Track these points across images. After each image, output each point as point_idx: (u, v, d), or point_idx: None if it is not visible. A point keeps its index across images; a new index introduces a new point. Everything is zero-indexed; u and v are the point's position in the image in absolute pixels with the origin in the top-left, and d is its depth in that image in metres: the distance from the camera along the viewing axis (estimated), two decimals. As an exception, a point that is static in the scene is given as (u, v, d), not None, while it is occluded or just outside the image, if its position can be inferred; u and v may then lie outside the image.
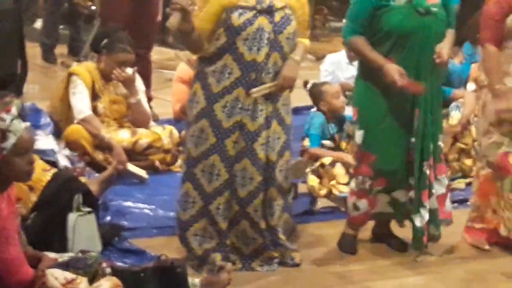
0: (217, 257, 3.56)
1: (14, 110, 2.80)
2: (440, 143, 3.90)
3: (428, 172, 3.78)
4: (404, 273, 3.77)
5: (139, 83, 4.92)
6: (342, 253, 3.96)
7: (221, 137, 3.55)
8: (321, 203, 4.58)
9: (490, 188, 4.01)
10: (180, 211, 3.67)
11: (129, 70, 4.77)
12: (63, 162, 4.20)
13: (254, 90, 3.51)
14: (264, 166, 3.60)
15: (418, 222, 3.80)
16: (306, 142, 4.64)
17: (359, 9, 3.74)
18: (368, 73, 3.79)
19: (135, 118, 4.85)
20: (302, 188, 4.63)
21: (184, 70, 5.23)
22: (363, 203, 3.85)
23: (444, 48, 3.72)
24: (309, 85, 4.83)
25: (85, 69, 4.80)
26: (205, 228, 3.63)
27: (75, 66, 4.95)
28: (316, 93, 4.75)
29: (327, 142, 4.61)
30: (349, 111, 4.41)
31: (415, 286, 3.65)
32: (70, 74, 4.78)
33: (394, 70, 3.62)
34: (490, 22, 3.92)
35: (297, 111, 5.71)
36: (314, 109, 4.81)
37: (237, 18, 3.46)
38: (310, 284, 3.62)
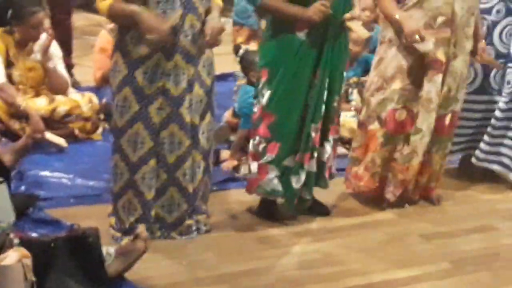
0: (141, 228, 3.50)
1: None
2: (335, 104, 3.87)
3: (313, 135, 3.78)
4: (323, 237, 3.80)
5: (55, 48, 4.78)
6: (263, 219, 3.94)
7: (144, 104, 3.49)
8: (244, 169, 4.57)
9: (373, 143, 4.07)
10: (112, 183, 3.63)
11: (43, 36, 4.64)
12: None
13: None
14: (190, 129, 3.56)
15: (294, 183, 3.80)
16: (230, 115, 4.60)
17: None
18: (281, 33, 3.72)
19: (52, 85, 4.73)
20: (225, 155, 4.62)
21: (105, 38, 5.10)
22: (254, 166, 3.83)
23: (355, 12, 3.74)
24: (241, 51, 4.76)
25: None
26: (130, 200, 3.58)
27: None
28: (248, 61, 4.67)
29: None
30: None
31: (334, 250, 3.67)
32: None
33: (314, 9, 3.58)
34: None
35: (223, 77, 5.69)
36: (243, 80, 4.75)
37: None
38: (231, 250, 3.62)
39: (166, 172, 3.58)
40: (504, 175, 4.46)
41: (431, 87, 3.96)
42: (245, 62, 4.71)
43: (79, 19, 6.10)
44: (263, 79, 3.80)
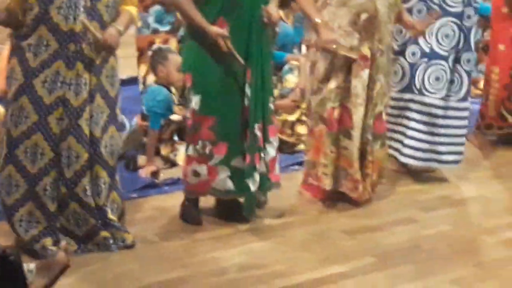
0: (47, 242, 3.40)
1: None
2: (270, 105, 3.90)
3: (259, 134, 3.78)
4: (248, 239, 3.78)
5: None
6: (186, 224, 3.90)
7: (43, 114, 3.37)
8: (164, 174, 4.51)
9: (322, 144, 4.11)
10: (4, 195, 3.46)
11: None
12: None
13: (84, 20, 3.32)
14: (90, 142, 3.45)
15: (252, 186, 3.80)
16: (139, 119, 4.53)
17: None
18: (198, 35, 3.69)
19: None
20: (142, 161, 4.53)
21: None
22: (203, 169, 3.79)
23: (272, 7, 3.72)
24: (154, 47, 4.70)
25: None
26: (31, 212, 3.45)
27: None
28: (159, 57, 4.63)
29: (176, 118, 4.52)
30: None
31: (260, 252, 3.65)
32: None
33: (216, 33, 3.59)
34: None
35: (129, 81, 5.60)
36: (151, 81, 4.69)
37: None
38: (156, 259, 3.54)
39: (65, 187, 3.45)
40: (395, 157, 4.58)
41: (357, 82, 4.04)
42: (156, 58, 4.67)
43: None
44: (188, 84, 3.77)
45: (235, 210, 3.95)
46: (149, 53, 4.78)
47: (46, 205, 3.44)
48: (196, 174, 3.82)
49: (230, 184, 3.82)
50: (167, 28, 5.40)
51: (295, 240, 3.79)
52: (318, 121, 4.12)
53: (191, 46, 3.77)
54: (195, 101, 3.75)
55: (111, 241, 3.57)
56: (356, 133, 4.07)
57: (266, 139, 3.85)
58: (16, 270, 2.93)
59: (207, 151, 3.77)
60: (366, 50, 4.03)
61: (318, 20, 3.93)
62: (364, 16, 3.99)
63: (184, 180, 3.91)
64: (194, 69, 3.76)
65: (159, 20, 5.51)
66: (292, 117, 5.02)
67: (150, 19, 5.48)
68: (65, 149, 3.41)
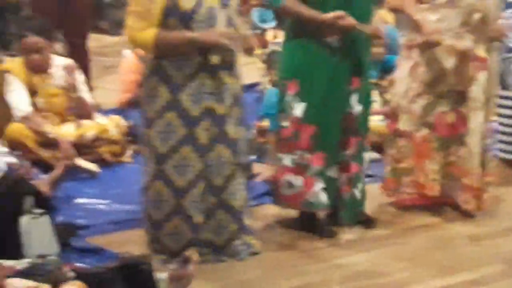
0: (192, 252, 3.43)
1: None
2: (369, 112, 3.86)
3: (361, 143, 3.77)
4: (369, 246, 3.73)
5: (77, 73, 4.74)
6: (303, 232, 3.87)
7: (191, 126, 3.41)
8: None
9: (426, 150, 4.00)
10: (151, 210, 3.51)
11: (61, 61, 4.60)
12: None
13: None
14: (234, 146, 3.50)
15: (358, 195, 3.78)
16: (266, 123, 4.55)
17: None
18: (306, 33, 3.65)
19: (79, 111, 4.68)
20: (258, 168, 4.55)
21: (130, 61, 5.05)
22: (298, 181, 3.75)
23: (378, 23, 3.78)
24: (268, 50, 4.74)
25: (17, 65, 4.60)
26: (178, 225, 3.49)
27: (6, 63, 4.74)
28: (273, 61, 4.65)
29: None
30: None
31: (383, 259, 3.59)
32: (1, 72, 4.57)
33: (333, 16, 3.53)
34: None
35: (249, 87, 5.66)
36: (268, 84, 4.72)
37: (185, 2, 3.31)
38: (276, 267, 3.54)
39: (213, 195, 3.49)
40: None
41: (475, 86, 3.91)
42: (271, 60, 4.70)
43: (90, 40, 6.03)
44: (292, 91, 3.70)
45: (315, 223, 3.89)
46: (263, 56, 4.81)
47: (192, 218, 3.48)
48: (290, 185, 3.77)
49: (322, 197, 3.76)
50: (272, 24, 5.43)
51: (415, 247, 3.72)
52: (421, 126, 3.99)
53: (295, 48, 3.71)
54: (299, 109, 3.69)
55: (243, 248, 3.61)
56: (472, 140, 3.94)
57: (363, 149, 3.84)
58: (148, 278, 3.03)
59: (305, 161, 3.73)
60: (481, 52, 3.92)
61: (418, 16, 3.86)
62: (476, 16, 3.88)
63: (276, 191, 3.86)
64: (301, 75, 3.69)
65: (263, 20, 5.57)
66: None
67: (255, 20, 5.55)
68: (214, 158, 3.46)
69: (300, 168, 3.73)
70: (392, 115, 4.16)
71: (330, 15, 3.54)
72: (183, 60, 3.36)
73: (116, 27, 7.52)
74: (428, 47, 3.88)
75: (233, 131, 3.48)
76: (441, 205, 4.12)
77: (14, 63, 4.64)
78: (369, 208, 4.05)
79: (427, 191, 4.02)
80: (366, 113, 3.80)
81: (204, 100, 3.41)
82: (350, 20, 3.54)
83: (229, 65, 3.45)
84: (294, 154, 3.74)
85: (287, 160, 3.77)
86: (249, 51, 3.56)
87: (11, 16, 7.07)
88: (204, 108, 3.42)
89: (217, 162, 3.47)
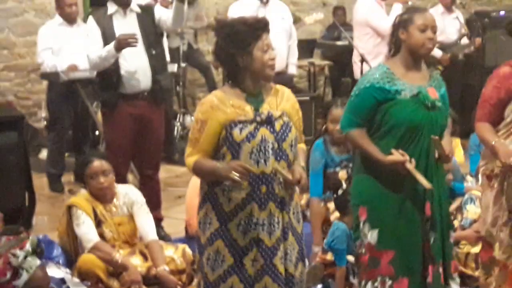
0: None
1: (28, 247, 2.75)
2: (451, 240, 3.80)
3: (440, 271, 3.67)
4: None
5: (136, 195, 4.90)
6: None
7: (239, 256, 3.45)
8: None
9: None
10: None
11: (124, 189, 4.78)
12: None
13: (278, 167, 3.45)
14: (284, 280, 3.49)
15: None
16: (330, 256, 4.53)
17: (362, 102, 3.68)
18: (373, 168, 3.70)
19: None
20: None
21: (196, 187, 5.16)
22: None
23: (448, 147, 3.71)
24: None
25: (83, 198, 4.79)
26: None
27: (72, 198, 4.92)
28: (343, 201, 4.65)
29: (350, 258, 4.50)
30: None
31: None
32: (69, 207, 4.76)
33: (398, 158, 3.56)
34: (485, 104, 3.94)
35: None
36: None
37: (238, 134, 3.42)
38: None
39: None
40: None
41: None
42: (340, 202, 4.70)
43: (162, 171, 6.23)
44: (362, 218, 3.72)
45: None
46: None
47: None
48: None
49: None
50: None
51: None
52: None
53: (365, 179, 3.76)
54: (372, 235, 3.70)
55: None
56: None
57: (448, 275, 3.72)
58: None
59: (387, 287, 3.68)
60: None
61: (494, 142, 3.83)
62: None
63: None
64: (370, 202, 3.72)
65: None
66: (476, 249, 4.82)
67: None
68: None
69: None
70: (485, 244, 4.08)
71: (390, 159, 3.58)
72: (233, 190, 3.44)
73: (186, 158, 7.74)
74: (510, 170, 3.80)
75: (281, 265, 3.46)
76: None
77: (79, 197, 4.84)
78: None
79: None
80: (444, 239, 3.73)
81: (253, 230, 3.44)
82: (408, 167, 3.55)
83: (280, 199, 3.48)
84: (376, 280, 3.70)
85: (368, 286, 3.73)
86: (300, 188, 3.60)
87: (89, 149, 7.39)
88: (252, 239, 3.45)
89: None
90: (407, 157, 3.58)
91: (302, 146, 3.68)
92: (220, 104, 3.44)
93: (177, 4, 5.18)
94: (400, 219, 3.67)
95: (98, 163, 4.78)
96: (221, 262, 3.46)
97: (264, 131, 3.44)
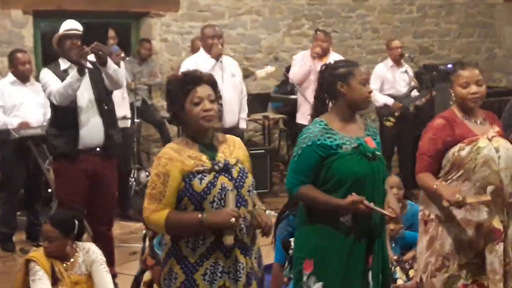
0: None
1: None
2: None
3: None
4: None
5: (95, 252, 4.80)
6: None
7: None
8: None
9: None
10: None
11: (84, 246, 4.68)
12: None
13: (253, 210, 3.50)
14: None
15: None
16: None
17: (306, 161, 3.66)
18: (319, 220, 3.68)
19: None
20: None
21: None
22: None
23: (392, 201, 3.74)
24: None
25: (42, 254, 4.69)
26: None
27: (31, 253, 4.83)
28: None
29: None
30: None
31: None
32: (27, 261, 4.66)
33: (356, 197, 3.55)
34: (423, 157, 4.03)
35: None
36: None
37: (199, 184, 3.43)
38: None
39: None
40: None
41: (494, 258, 3.89)
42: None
43: (116, 227, 6.17)
44: (307, 271, 3.69)
45: None
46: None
47: None
48: None
49: None
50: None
51: None
52: None
53: (311, 230, 3.73)
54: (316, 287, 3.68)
55: None
56: None
57: None
58: None
59: None
60: (497, 223, 3.91)
61: (435, 185, 3.89)
62: (490, 189, 3.90)
63: None
64: (316, 255, 3.69)
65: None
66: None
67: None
68: None
69: None
70: None
71: (348, 200, 3.55)
72: (197, 240, 3.43)
73: (141, 214, 7.67)
74: (457, 207, 3.84)
75: None
76: None
77: (38, 253, 4.73)
78: None
79: None
80: None
81: (219, 279, 3.44)
82: (366, 204, 3.55)
83: (244, 245, 3.49)
84: None
85: None
86: (266, 232, 3.61)
87: (41, 207, 7.30)
88: (219, 287, 3.44)
89: None
90: (359, 197, 3.57)
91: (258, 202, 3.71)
92: (177, 156, 3.46)
93: (102, 69, 5.23)
94: (345, 273, 3.66)
95: (47, 228, 4.68)
96: None
97: (223, 179, 3.46)
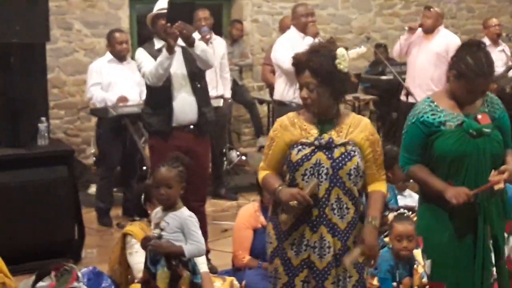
0: None
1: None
2: (505, 267, 3.73)
3: None
4: None
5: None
6: None
7: (292, 275, 3.52)
8: None
9: None
10: None
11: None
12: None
13: (346, 261, 3.47)
14: None
15: None
16: (375, 282, 4.50)
17: (412, 139, 3.72)
18: (431, 199, 3.71)
19: None
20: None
21: (246, 217, 5.21)
22: None
23: (507, 170, 3.61)
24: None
25: (139, 227, 4.82)
26: None
27: (128, 226, 4.96)
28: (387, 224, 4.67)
29: (395, 285, 4.46)
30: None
31: None
32: (124, 235, 4.81)
33: (455, 192, 3.54)
34: None
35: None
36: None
37: (295, 154, 3.51)
38: None
39: None
40: None
41: None
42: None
43: (208, 205, 6.28)
44: (420, 247, 3.79)
45: None
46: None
47: None
48: None
49: None
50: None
51: None
52: None
53: (423, 209, 3.80)
54: (427, 265, 3.72)
55: None
56: None
57: None
58: None
59: None
60: None
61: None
62: None
63: None
64: (425, 233, 3.75)
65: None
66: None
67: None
68: None
69: None
70: None
71: (452, 193, 3.55)
72: (286, 211, 3.50)
73: (233, 193, 7.79)
74: None
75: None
76: None
77: (134, 226, 4.86)
78: None
79: None
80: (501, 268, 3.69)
81: (304, 251, 3.50)
82: (469, 195, 3.53)
83: (332, 225, 3.49)
84: None
85: None
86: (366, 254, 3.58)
87: (136, 184, 7.47)
88: (304, 259, 3.50)
89: None
90: (464, 189, 3.56)
91: (380, 188, 3.61)
92: (289, 125, 3.57)
93: (190, 50, 5.30)
94: (452, 252, 3.65)
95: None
96: (278, 279, 3.57)
97: (320, 155, 3.50)
